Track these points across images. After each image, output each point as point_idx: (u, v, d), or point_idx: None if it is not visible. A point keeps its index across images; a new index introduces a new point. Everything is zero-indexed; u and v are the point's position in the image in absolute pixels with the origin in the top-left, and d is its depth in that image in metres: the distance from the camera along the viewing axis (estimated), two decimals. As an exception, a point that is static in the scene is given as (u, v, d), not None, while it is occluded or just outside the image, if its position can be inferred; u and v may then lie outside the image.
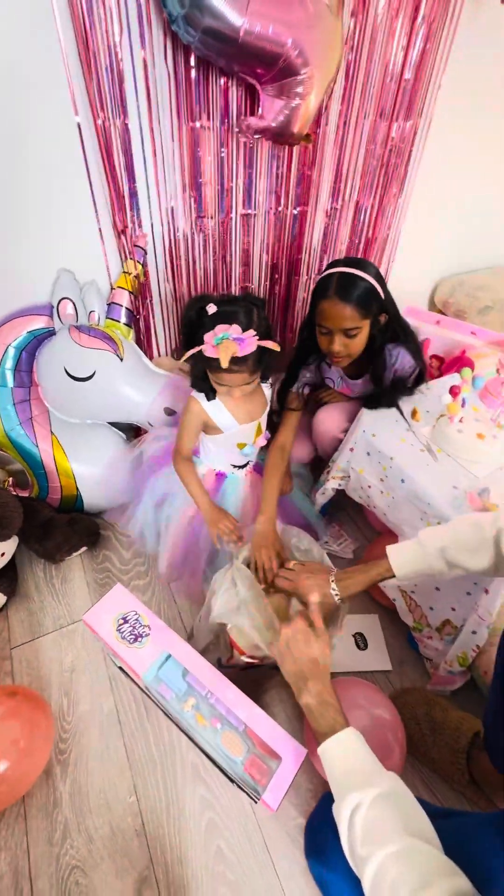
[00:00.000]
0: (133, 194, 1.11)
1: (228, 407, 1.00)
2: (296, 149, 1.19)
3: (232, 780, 0.84)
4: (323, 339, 1.03)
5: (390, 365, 1.06)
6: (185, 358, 0.89)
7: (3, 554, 1.09)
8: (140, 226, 1.17)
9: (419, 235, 1.60)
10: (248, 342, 0.84)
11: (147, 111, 1.01)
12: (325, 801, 0.82)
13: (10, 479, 1.28)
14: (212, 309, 0.87)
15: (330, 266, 1.01)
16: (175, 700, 0.77)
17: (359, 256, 1.51)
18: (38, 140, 0.97)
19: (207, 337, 0.84)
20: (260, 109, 1.00)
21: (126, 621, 0.83)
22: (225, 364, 0.83)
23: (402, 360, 1.06)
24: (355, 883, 0.51)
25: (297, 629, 0.74)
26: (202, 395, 0.99)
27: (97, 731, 0.95)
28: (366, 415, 1.06)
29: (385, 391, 1.08)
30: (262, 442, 1.11)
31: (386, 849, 0.48)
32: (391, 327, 1.03)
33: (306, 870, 0.80)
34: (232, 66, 0.94)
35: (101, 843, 0.82)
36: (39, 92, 0.92)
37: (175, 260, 1.26)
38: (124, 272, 1.21)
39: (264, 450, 1.14)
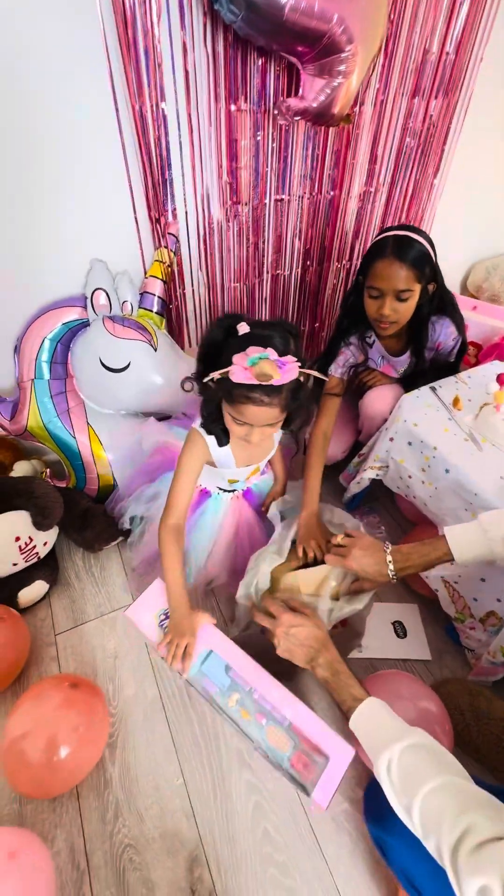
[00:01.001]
0: (169, 181, 1.09)
1: (232, 446, 0.89)
2: (332, 131, 1.16)
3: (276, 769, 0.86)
4: (373, 303, 1.02)
5: (434, 339, 1.06)
6: (207, 379, 0.76)
7: (45, 543, 1.11)
8: (174, 213, 1.16)
9: (454, 217, 1.56)
10: (289, 368, 0.71)
11: (185, 95, 0.99)
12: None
13: (48, 469, 1.30)
14: (244, 328, 0.73)
15: (383, 231, 1.01)
16: (219, 695, 0.78)
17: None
18: (74, 126, 0.96)
19: (238, 358, 0.70)
20: (300, 90, 0.97)
21: (168, 616, 0.84)
22: (276, 382, 0.70)
23: (445, 331, 1.07)
24: (412, 843, 0.53)
25: (286, 621, 0.76)
26: (211, 436, 0.87)
27: (142, 715, 0.97)
28: (406, 403, 1.04)
29: (427, 369, 1.09)
30: (256, 480, 1.06)
31: (424, 788, 0.52)
32: (437, 297, 1.03)
33: (353, 853, 0.81)
34: (272, 45, 0.91)
35: (151, 822, 0.85)
36: (78, 76, 0.91)
37: (209, 248, 1.25)
38: (156, 261, 1.20)
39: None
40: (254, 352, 0.69)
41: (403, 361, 1.16)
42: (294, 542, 0.95)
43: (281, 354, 0.71)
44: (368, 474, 1.15)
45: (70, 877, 0.79)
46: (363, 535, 0.86)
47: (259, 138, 1.10)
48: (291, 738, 0.72)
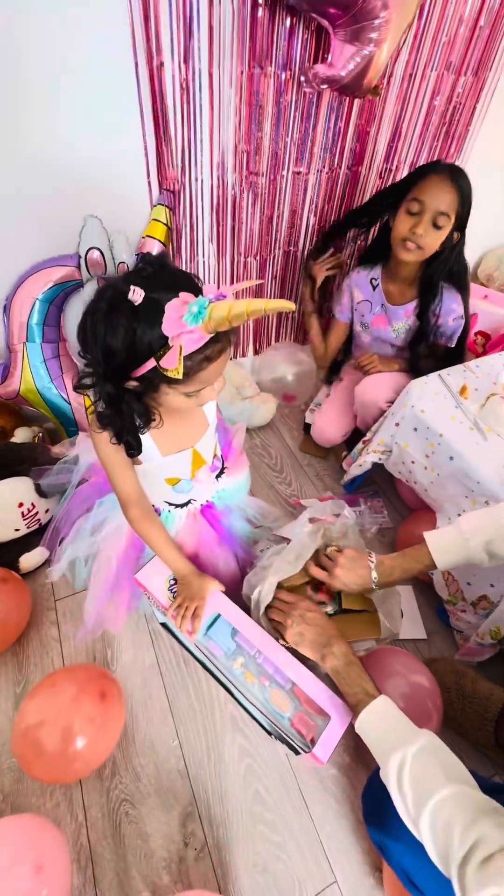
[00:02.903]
0: (185, 141, 1.05)
1: (150, 431, 0.71)
2: (356, 103, 1.12)
3: (270, 733, 0.90)
4: (408, 220, 1.02)
5: (436, 306, 1.09)
6: (141, 376, 0.57)
7: (47, 510, 1.11)
8: (187, 180, 1.11)
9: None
10: (229, 295, 0.56)
11: (208, 54, 0.95)
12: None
13: (41, 433, 1.29)
14: (138, 295, 0.52)
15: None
16: (224, 658, 0.80)
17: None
18: (89, 74, 0.91)
19: (171, 326, 0.52)
20: (329, 56, 0.94)
21: (177, 582, 0.85)
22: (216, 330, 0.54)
23: (449, 304, 1.10)
24: (413, 846, 0.54)
25: (303, 605, 0.79)
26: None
27: (140, 680, 1.00)
28: (414, 388, 1.05)
29: (426, 343, 1.13)
30: (207, 475, 0.85)
31: (434, 798, 0.52)
32: (456, 254, 1.06)
33: (339, 815, 0.86)
34: (304, 5, 0.87)
35: (147, 781, 0.88)
36: (99, 27, 0.86)
37: (221, 219, 1.21)
38: (154, 219, 1.13)
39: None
40: (187, 298, 0.53)
41: (401, 314, 1.17)
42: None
43: (197, 286, 0.57)
44: (371, 458, 1.16)
45: (69, 827, 0.82)
46: (348, 550, 0.83)
47: (281, 105, 1.06)
48: (293, 699, 0.75)
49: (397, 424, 1.07)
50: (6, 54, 0.84)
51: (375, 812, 0.66)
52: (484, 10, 1.09)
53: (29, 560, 1.09)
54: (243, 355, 1.60)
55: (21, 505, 1.04)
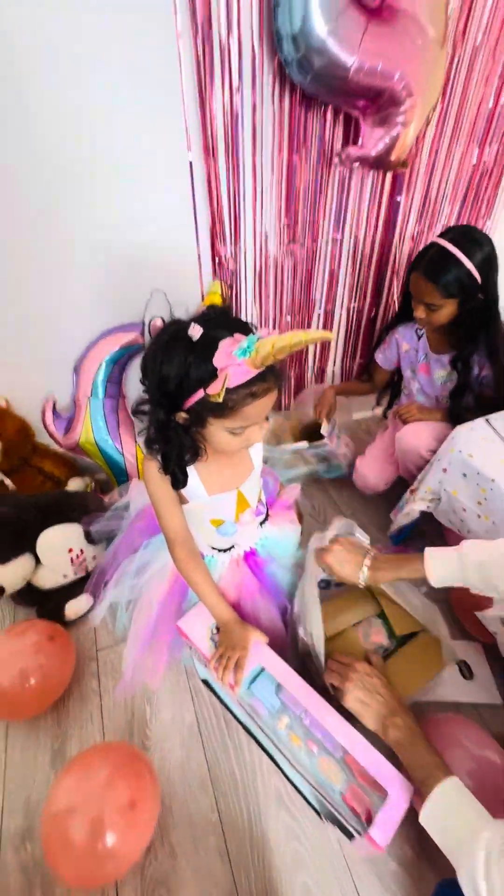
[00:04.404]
0: (231, 222, 1.17)
1: (197, 468, 0.75)
2: (388, 175, 1.22)
3: (319, 814, 0.81)
4: (412, 301, 1.10)
5: (474, 355, 1.09)
6: (193, 405, 0.61)
7: (94, 557, 1.14)
8: (235, 253, 1.23)
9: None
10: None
11: (251, 147, 1.08)
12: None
13: (93, 483, 1.35)
14: (197, 330, 0.58)
15: (442, 234, 1.04)
16: (268, 716, 0.76)
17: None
18: (151, 164, 1.06)
19: (223, 359, 0.57)
20: (360, 139, 1.04)
21: (219, 631, 0.83)
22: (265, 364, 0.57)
23: (481, 364, 1.11)
24: None
25: (362, 668, 0.74)
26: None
27: (178, 741, 0.95)
28: (460, 434, 1.02)
29: (467, 392, 1.13)
30: (251, 518, 0.85)
31: None
32: (482, 312, 1.05)
33: (402, 923, 0.74)
34: (336, 101, 0.99)
35: (184, 860, 0.80)
36: (160, 130, 1.01)
37: (263, 284, 1.31)
38: (212, 293, 1.26)
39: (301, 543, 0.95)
40: (240, 340, 0.57)
41: (441, 363, 1.19)
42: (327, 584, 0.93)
43: (251, 330, 0.61)
44: (418, 506, 1.12)
45: (100, 907, 0.76)
46: (344, 540, 0.85)
47: (318, 183, 1.18)
48: (345, 770, 0.68)
49: (445, 470, 1.04)
50: (82, 150, 0.99)
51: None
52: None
53: (74, 607, 1.11)
54: (286, 407, 1.65)
55: (71, 550, 1.07)
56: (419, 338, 1.22)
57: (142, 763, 0.80)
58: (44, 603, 1.11)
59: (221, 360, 0.57)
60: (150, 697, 1.01)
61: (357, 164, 1.07)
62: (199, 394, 0.60)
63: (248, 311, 1.36)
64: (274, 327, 1.42)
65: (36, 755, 0.93)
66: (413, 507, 1.13)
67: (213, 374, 0.58)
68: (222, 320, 0.62)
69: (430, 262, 1.00)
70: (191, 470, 0.74)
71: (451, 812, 0.56)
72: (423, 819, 0.58)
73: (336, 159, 1.10)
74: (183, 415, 0.64)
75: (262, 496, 0.90)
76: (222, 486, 0.78)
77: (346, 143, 1.11)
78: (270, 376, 0.61)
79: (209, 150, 1.05)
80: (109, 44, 0.89)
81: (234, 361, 0.57)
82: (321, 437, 1.33)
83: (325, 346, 1.54)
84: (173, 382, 0.60)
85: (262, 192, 1.16)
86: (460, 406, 1.14)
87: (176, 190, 1.10)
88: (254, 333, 0.60)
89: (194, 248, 1.20)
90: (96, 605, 0.93)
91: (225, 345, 0.57)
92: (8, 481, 1.24)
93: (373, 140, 1.02)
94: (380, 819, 0.61)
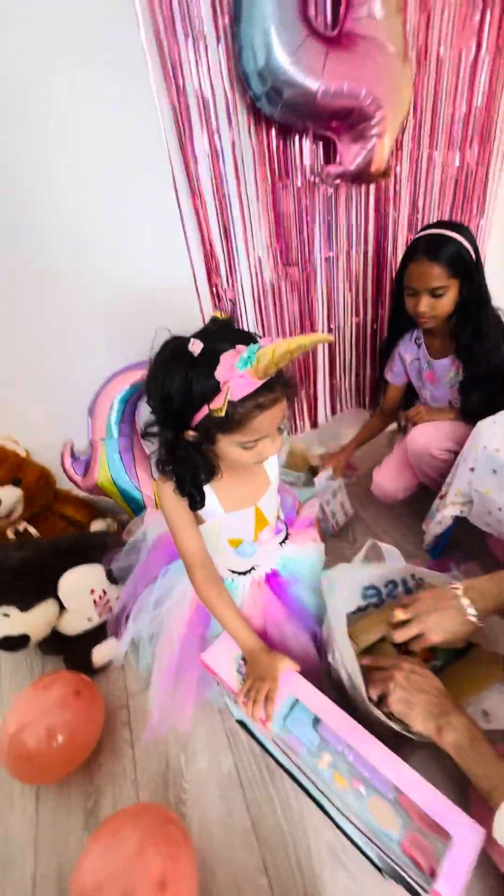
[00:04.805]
0: (224, 253, 1.21)
1: (212, 485, 0.73)
2: (372, 188, 1.24)
3: (380, 870, 0.71)
4: (410, 300, 1.07)
5: (477, 345, 1.05)
6: (199, 422, 0.61)
7: (118, 598, 1.11)
8: (232, 282, 1.26)
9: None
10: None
11: (235, 181, 1.12)
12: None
13: (115, 524, 1.34)
14: (197, 345, 0.58)
15: (422, 230, 1.04)
16: (308, 755, 0.68)
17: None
18: (142, 211, 1.11)
19: (225, 372, 0.56)
20: (338, 157, 1.07)
21: (246, 662, 0.77)
22: (270, 373, 0.56)
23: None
24: None
25: (408, 666, 0.66)
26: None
27: (217, 792, 0.87)
28: (483, 428, 0.96)
29: (479, 383, 1.07)
30: (270, 536, 0.82)
31: None
32: (475, 294, 1.02)
33: None
34: (309, 125, 1.02)
35: (232, 933, 0.71)
36: (148, 179, 1.07)
37: (263, 308, 1.33)
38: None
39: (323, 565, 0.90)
40: (241, 351, 0.56)
41: (446, 366, 1.16)
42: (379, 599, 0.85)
43: (255, 340, 0.59)
44: (450, 511, 1.05)
45: None
46: (420, 596, 0.71)
47: (304, 205, 1.20)
48: (400, 813, 0.60)
49: (472, 469, 0.98)
50: (81, 211, 1.06)
51: None
52: (475, 91, 1.20)
53: (101, 653, 1.07)
54: (302, 431, 1.62)
55: (93, 591, 1.05)
56: (419, 346, 1.21)
57: (175, 828, 0.73)
58: (70, 651, 1.08)
59: (223, 374, 0.56)
60: (184, 744, 0.94)
61: (339, 181, 1.09)
62: (205, 410, 0.59)
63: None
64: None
65: (69, 818, 0.87)
66: (444, 513, 1.06)
67: (216, 388, 0.57)
68: (223, 333, 0.62)
69: (428, 245, 0.99)
70: (207, 488, 0.72)
71: None
72: (499, 833, 0.49)
73: (317, 180, 1.13)
74: (191, 433, 0.63)
75: (280, 513, 0.86)
76: (239, 503, 0.76)
77: (326, 163, 1.14)
78: (277, 386, 0.60)
79: (195, 190, 1.10)
80: (91, 103, 0.96)
81: (237, 373, 0.56)
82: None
83: (333, 363, 1.52)
84: (177, 400, 0.60)
85: (251, 222, 1.19)
86: (472, 401, 1.10)
87: (168, 231, 1.14)
88: (257, 343, 0.58)
89: (192, 283, 1.23)
90: (121, 646, 0.90)
91: (226, 357, 0.56)
92: (31, 529, 1.25)
93: (350, 156, 1.05)
94: (445, 869, 0.52)
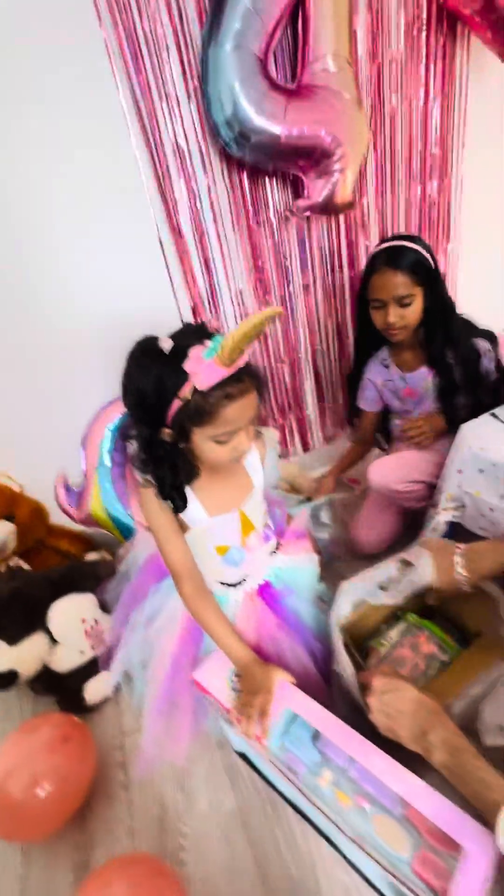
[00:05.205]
0: (207, 288, 1.27)
1: (194, 490, 0.73)
2: (342, 218, 1.32)
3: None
4: (378, 315, 1.07)
5: (450, 351, 1.06)
6: (175, 414, 0.62)
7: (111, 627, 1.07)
8: (216, 314, 1.32)
9: (480, 278, 1.61)
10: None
11: (213, 220, 1.20)
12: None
13: (110, 556, 1.32)
14: (167, 343, 0.61)
15: (378, 244, 1.08)
16: (308, 775, 0.64)
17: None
18: (128, 254, 1.18)
19: (194, 364, 0.58)
20: (306, 192, 1.15)
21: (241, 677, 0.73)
22: (242, 359, 0.59)
23: (473, 346, 1.07)
24: None
25: (377, 685, 0.62)
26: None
27: (219, 835, 0.80)
28: (467, 430, 0.97)
29: (460, 379, 1.07)
30: (258, 542, 0.81)
31: None
32: (440, 303, 1.04)
33: None
34: (277, 165, 1.11)
35: None
36: (131, 223, 1.15)
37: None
38: None
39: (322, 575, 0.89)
40: (208, 345, 0.59)
41: (421, 377, 1.16)
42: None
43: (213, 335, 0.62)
44: (443, 517, 1.03)
45: None
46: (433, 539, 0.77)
47: (277, 238, 1.28)
48: (409, 831, 0.55)
49: (460, 472, 0.98)
50: (70, 255, 1.13)
51: None
52: (430, 130, 1.31)
53: (94, 689, 1.02)
54: (293, 454, 1.63)
55: (84, 621, 1.02)
56: (387, 367, 1.22)
57: (166, 881, 0.67)
58: (62, 690, 1.03)
59: (192, 366, 0.59)
60: (182, 783, 0.88)
61: (308, 213, 1.17)
62: (177, 403, 0.61)
63: (238, 364, 1.42)
64: (272, 374, 1.46)
65: (56, 873, 0.80)
66: (438, 519, 1.04)
67: (186, 381, 0.59)
68: (193, 331, 0.64)
69: (389, 256, 1.02)
70: (188, 493, 0.72)
71: None
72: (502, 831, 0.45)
73: (288, 213, 1.22)
74: (167, 430, 0.64)
75: (268, 520, 0.85)
76: (223, 507, 0.76)
77: (295, 198, 1.23)
78: (245, 376, 0.62)
79: (176, 230, 1.18)
80: (81, 158, 1.05)
81: (204, 363, 0.58)
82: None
83: (319, 384, 1.55)
84: (150, 395, 0.62)
85: (230, 257, 1.27)
86: (454, 407, 1.11)
87: (153, 270, 1.21)
88: (222, 336, 0.61)
89: (177, 316, 1.29)
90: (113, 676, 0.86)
91: (194, 351, 0.59)
92: (24, 564, 1.23)
93: (317, 190, 1.13)
94: (458, 885, 0.47)
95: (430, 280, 1.03)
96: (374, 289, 1.05)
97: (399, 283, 1.01)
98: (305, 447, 1.63)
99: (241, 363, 0.61)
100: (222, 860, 0.77)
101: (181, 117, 1.08)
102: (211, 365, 0.58)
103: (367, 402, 1.30)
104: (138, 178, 1.11)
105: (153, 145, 1.08)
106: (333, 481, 1.35)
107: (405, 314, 1.04)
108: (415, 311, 1.04)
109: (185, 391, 0.59)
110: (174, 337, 0.62)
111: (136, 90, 1.03)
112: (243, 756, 0.87)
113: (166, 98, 1.05)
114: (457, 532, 1.07)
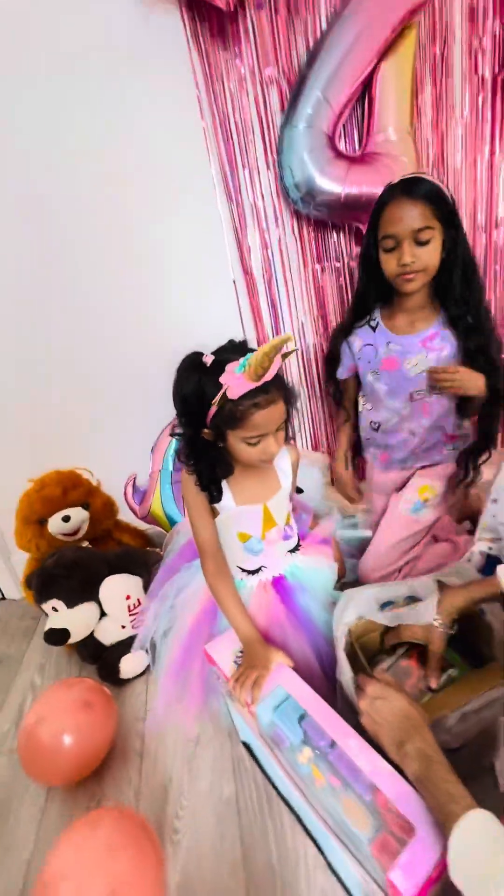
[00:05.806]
0: (272, 321, 1.44)
1: (228, 481, 0.84)
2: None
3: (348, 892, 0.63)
4: (390, 257, 0.91)
5: (473, 306, 0.93)
6: (213, 418, 0.73)
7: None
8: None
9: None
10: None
11: (281, 266, 1.39)
12: None
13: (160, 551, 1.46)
14: (209, 359, 0.71)
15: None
16: (290, 751, 0.68)
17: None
18: (205, 291, 1.40)
19: (228, 377, 0.68)
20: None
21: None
22: (269, 374, 0.67)
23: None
24: None
25: (371, 691, 0.64)
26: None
27: (213, 817, 0.84)
28: (504, 461, 0.96)
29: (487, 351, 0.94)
30: (278, 538, 0.88)
31: None
32: (462, 254, 0.90)
33: None
34: (340, 218, 1.27)
35: None
36: (211, 264, 1.37)
37: (307, 365, 1.51)
38: None
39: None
40: (238, 361, 0.68)
41: (416, 346, 1.00)
42: None
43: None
44: (478, 547, 1.01)
45: None
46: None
47: (340, 283, 1.42)
48: (374, 815, 0.56)
49: (495, 501, 0.97)
50: (157, 288, 1.38)
51: None
52: (496, 163, 1.38)
53: (129, 664, 1.13)
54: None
55: (129, 598, 1.15)
56: (373, 329, 1.06)
57: (146, 837, 0.71)
58: (103, 660, 1.16)
59: (225, 378, 0.70)
60: (190, 763, 0.93)
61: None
62: (214, 409, 0.73)
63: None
64: (324, 403, 1.57)
65: (70, 811, 0.89)
66: (473, 549, 1.02)
67: (221, 390, 0.70)
68: (233, 349, 0.75)
69: (405, 184, 0.89)
70: (223, 484, 0.84)
71: (475, 852, 0.43)
72: (452, 873, 0.44)
73: (348, 260, 1.35)
74: (207, 431, 0.76)
75: (290, 520, 0.93)
76: (250, 499, 0.85)
77: (357, 246, 1.36)
78: (273, 388, 0.71)
79: (247, 271, 1.38)
80: (176, 217, 1.31)
81: (235, 377, 0.69)
82: None
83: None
84: (192, 401, 0.74)
85: (294, 297, 1.43)
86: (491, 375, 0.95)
87: (225, 305, 1.42)
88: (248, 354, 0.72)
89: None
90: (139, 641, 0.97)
91: (230, 366, 0.71)
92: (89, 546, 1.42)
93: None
94: (404, 860, 0.48)
95: (451, 220, 0.89)
96: (387, 222, 0.90)
97: (416, 214, 0.86)
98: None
99: (268, 377, 0.69)
100: (211, 837, 0.80)
101: (260, 183, 1.29)
102: (241, 378, 0.68)
103: (343, 369, 1.18)
104: (220, 230, 1.33)
105: (234, 204, 1.31)
106: (354, 483, 1.30)
107: (421, 254, 0.89)
108: (433, 252, 0.89)
109: (220, 399, 0.70)
110: (216, 353, 0.73)
111: (225, 163, 1.27)
112: (248, 747, 0.91)
113: (248, 168, 1.28)
114: (492, 564, 1.03)
